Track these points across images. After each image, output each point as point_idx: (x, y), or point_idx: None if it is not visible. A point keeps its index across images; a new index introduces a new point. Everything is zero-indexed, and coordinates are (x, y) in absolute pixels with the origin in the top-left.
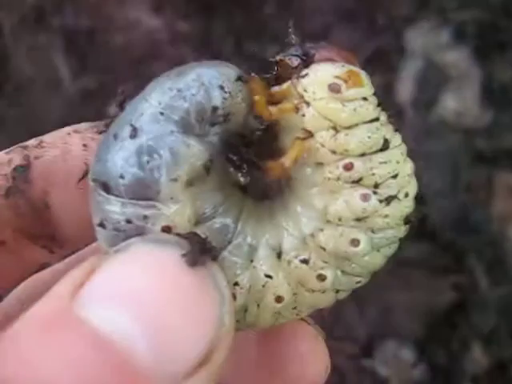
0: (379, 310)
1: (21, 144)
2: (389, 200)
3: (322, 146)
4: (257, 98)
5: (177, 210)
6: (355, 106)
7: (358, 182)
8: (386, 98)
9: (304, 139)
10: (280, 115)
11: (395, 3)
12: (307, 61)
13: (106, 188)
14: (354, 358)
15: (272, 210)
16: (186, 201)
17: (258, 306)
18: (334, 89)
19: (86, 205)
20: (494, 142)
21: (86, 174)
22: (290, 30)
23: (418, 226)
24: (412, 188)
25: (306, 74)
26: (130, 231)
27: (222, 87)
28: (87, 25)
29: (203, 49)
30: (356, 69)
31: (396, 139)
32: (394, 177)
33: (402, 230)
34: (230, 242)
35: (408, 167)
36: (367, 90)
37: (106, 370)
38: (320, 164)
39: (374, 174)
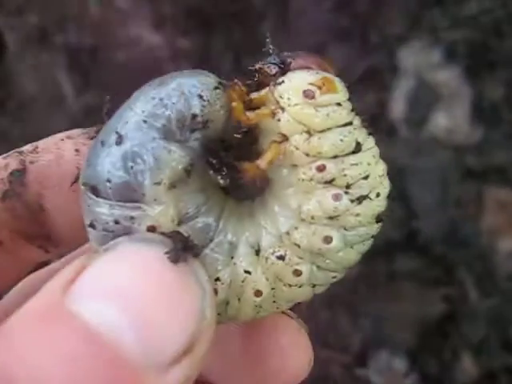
0: (372, 321)
1: (17, 149)
2: (360, 200)
3: (296, 148)
4: (234, 104)
5: (161, 211)
6: (328, 112)
7: (330, 182)
8: (379, 116)
9: (280, 142)
10: (257, 120)
11: (388, 22)
12: (284, 69)
13: (95, 191)
14: (348, 367)
15: (252, 209)
16: (169, 202)
17: (239, 299)
18: (308, 95)
19: (79, 206)
20: (483, 158)
21: (78, 177)
22: (268, 40)
23: (410, 240)
24: (383, 188)
25: (282, 81)
26: (118, 231)
27: (200, 96)
28: (89, 42)
29: (203, 65)
30: (330, 76)
31: (368, 142)
32: (366, 178)
33: (375, 228)
34: (211, 240)
35: (380, 169)
36: (341, 95)
37: (97, 361)
38: (295, 166)
39: (345, 175)
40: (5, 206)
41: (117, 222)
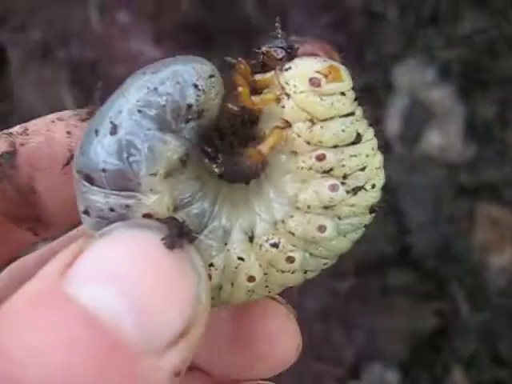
0: (365, 334)
1: (5, 131)
2: (356, 190)
3: (298, 136)
4: (241, 88)
5: (156, 200)
6: (333, 101)
7: (328, 172)
8: (375, 133)
9: (282, 128)
10: (262, 105)
11: (384, 41)
12: (291, 54)
13: (90, 179)
14: (342, 379)
15: (246, 195)
16: (165, 191)
17: (232, 284)
18: (314, 83)
19: (70, 189)
20: (476, 175)
21: (69, 160)
22: (277, 24)
23: (403, 255)
24: (379, 180)
25: (289, 68)
26: (113, 218)
27: (196, 85)
28: (91, 57)
29: None
30: (336, 64)
31: (368, 134)
32: (363, 169)
33: (368, 218)
34: (206, 227)
35: (377, 161)
36: (346, 84)
37: (94, 344)
38: (294, 153)
39: (343, 166)
40: None
41: (112, 210)
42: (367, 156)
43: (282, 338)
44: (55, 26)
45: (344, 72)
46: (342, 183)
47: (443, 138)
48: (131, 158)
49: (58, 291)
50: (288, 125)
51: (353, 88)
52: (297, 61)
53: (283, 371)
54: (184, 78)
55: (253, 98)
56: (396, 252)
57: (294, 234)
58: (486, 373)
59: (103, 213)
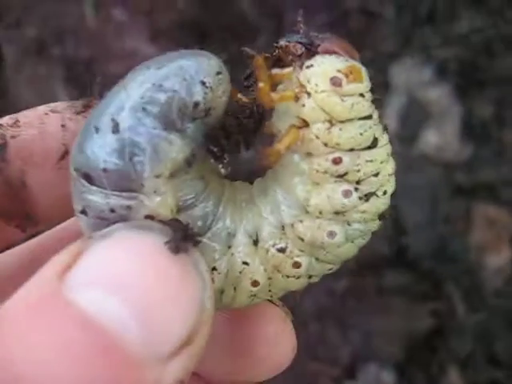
0: (361, 334)
1: None
2: (368, 197)
3: (317, 137)
4: (261, 84)
5: (159, 202)
6: (353, 102)
7: (342, 176)
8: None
9: (299, 128)
10: (279, 102)
11: (381, 39)
12: (311, 50)
13: (88, 179)
14: (337, 379)
15: (251, 196)
16: (168, 192)
17: (235, 288)
18: (335, 82)
19: (63, 185)
20: (472, 175)
21: (64, 155)
22: (299, 18)
23: (399, 255)
24: (390, 187)
25: (311, 65)
26: (113, 219)
27: (203, 83)
28: (86, 54)
29: None
30: (357, 64)
31: (384, 139)
32: (376, 175)
33: (376, 225)
34: (209, 229)
35: (390, 167)
36: (365, 86)
37: (95, 351)
38: (309, 154)
39: (358, 171)
40: None
41: (112, 211)
42: (381, 162)
43: (278, 341)
44: (50, 23)
45: (364, 73)
46: (356, 189)
47: (440, 138)
48: (135, 159)
49: (58, 296)
50: (305, 124)
51: (371, 90)
52: (318, 58)
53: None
54: (191, 75)
55: (272, 94)
56: (392, 252)
57: (302, 240)
58: (482, 373)
59: (103, 213)
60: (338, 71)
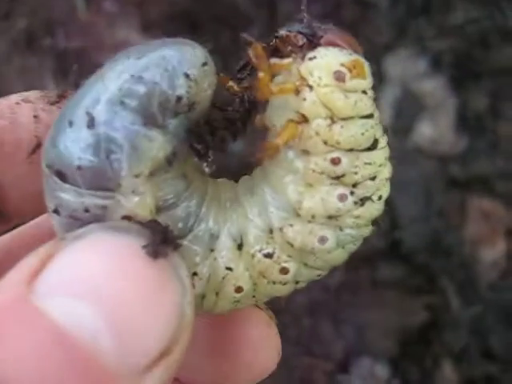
0: (355, 329)
1: None
2: (363, 201)
3: (317, 134)
4: (261, 74)
5: (138, 202)
6: (356, 99)
7: (338, 178)
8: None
9: (298, 123)
10: (279, 94)
11: (375, 31)
12: (313, 42)
13: (61, 176)
14: (331, 374)
15: (236, 195)
16: (148, 192)
17: (217, 294)
18: (338, 77)
19: (36, 180)
20: (467, 168)
21: (36, 148)
22: (302, 7)
23: (393, 249)
24: (386, 191)
25: (314, 57)
26: (87, 219)
27: (187, 75)
28: (77, 46)
29: None
30: (361, 58)
31: (383, 141)
32: (373, 179)
33: (369, 230)
34: (191, 231)
35: (387, 171)
36: (368, 82)
37: (67, 364)
38: (306, 152)
39: (356, 173)
40: None
41: (86, 211)
42: (380, 165)
43: (263, 346)
44: (40, 15)
45: (367, 68)
46: (351, 193)
47: (434, 130)
48: (111, 156)
49: (26, 305)
50: (304, 120)
51: (372, 87)
52: (322, 50)
53: None
54: (173, 66)
55: (271, 85)
56: (386, 246)
57: (292, 245)
58: (477, 367)
59: (76, 213)
60: (342, 65)
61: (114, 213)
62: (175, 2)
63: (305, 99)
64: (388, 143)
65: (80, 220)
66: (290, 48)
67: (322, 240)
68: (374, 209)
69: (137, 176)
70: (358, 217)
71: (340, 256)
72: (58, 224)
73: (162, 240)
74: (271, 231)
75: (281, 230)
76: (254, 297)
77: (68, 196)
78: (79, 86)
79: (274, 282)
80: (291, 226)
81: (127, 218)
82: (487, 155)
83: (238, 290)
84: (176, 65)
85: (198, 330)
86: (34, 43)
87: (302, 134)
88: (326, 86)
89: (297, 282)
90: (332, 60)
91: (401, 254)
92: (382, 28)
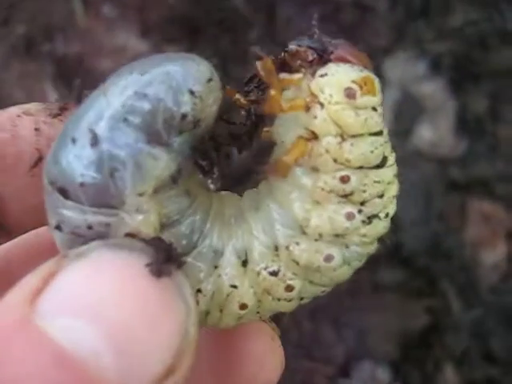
0: (356, 332)
1: None
2: (371, 219)
3: (327, 151)
4: (273, 92)
5: (141, 220)
6: (366, 116)
7: (347, 196)
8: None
9: (308, 140)
10: (289, 111)
11: (374, 33)
12: (324, 58)
13: (64, 193)
14: (332, 378)
15: (241, 210)
16: (152, 209)
17: (221, 310)
18: (349, 94)
19: (38, 193)
20: (467, 170)
21: (38, 161)
22: (314, 22)
23: (393, 252)
24: (392, 209)
25: (325, 74)
26: (90, 236)
27: (192, 91)
28: (76, 51)
29: None
30: (371, 74)
31: (392, 158)
32: (381, 196)
33: (374, 247)
34: (195, 247)
35: (394, 189)
36: (378, 99)
37: None
38: (316, 169)
39: (364, 192)
40: None
41: (90, 228)
42: (388, 183)
43: (266, 360)
44: (39, 20)
45: (377, 84)
46: (359, 211)
47: (434, 133)
48: (115, 174)
49: (29, 324)
50: (314, 137)
51: (381, 103)
52: (332, 67)
53: None
54: (178, 82)
55: (282, 102)
56: (386, 249)
57: (297, 263)
58: (478, 370)
59: (79, 230)
60: (353, 82)
61: (118, 230)
62: (174, 7)
63: (315, 117)
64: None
65: (83, 237)
66: (299, 62)
67: (328, 258)
68: (381, 226)
69: (141, 194)
70: (364, 235)
71: (345, 273)
72: (60, 240)
73: (165, 258)
74: (277, 248)
75: (287, 248)
76: (258, 313)
77: (71, 213)
78: (82, 99)
79: (279, 299)
80: (297, 244)
81: (131, 235)
82: (487, 158)
83: (243, 306)
84: (181, 81)
85: (201, 345)
86: (33, 49)
87: (312, 151)
88: (336, 103)
89: (301, 299)
90: (343, 77)
91: (401, 258)
92: (381, 31)
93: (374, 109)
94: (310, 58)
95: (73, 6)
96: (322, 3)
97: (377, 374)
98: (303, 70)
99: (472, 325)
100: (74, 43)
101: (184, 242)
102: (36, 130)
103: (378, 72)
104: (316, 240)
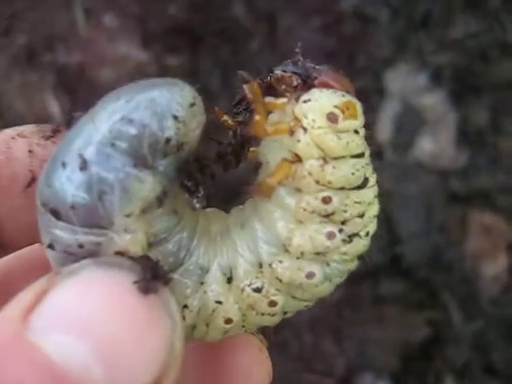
0: (357, 344)
1: None
2: (351, 238)
3: (310, 174)
4: (258, 117)
5: (130, 240)
6: (348, 140)
7: (328, 216)
8: (366, 138)
9: (292, 162)
10: (274, 135)
11: (375, 45)
12: (308, 83)
13: (56, 214)
14: None
15: (227, 227)
16: (139, 229)
17: (207, 325)
18: (331, 118)
19: (31, 213)
20: (468, 182)
21: (31, 182)
22: (297, 50)
23: (394, 264)
24: (373, 228)
25: (308, 100)
26: (82, 254)
27: (175, 117)
28: (77, 61)
29: (191, 81)
30: (353, 99)
31: (373, 179)
32: (361, 216)
33: (354, 264)
34: (181, 264)
35: (375, 209)
36: (359, 122)
37: None
38: (299, 190)
39: (345, 211)
40: None
41: (81, 247)
42: (369, 204)
43: (255, 371)
44: (40, 30)
45: (359, 108)
46: (340, 230)
47: (435, 145)
48: (104, 197)
49: (21, 340)
50: (298, 159)
51: (364, 125)
52: (316, 93)
53: (274, 382)
54: (162, 108)
55: (266, 127)
56: (387, 261)
57: (280, 280)
58: (479, 382)
59: (70, 248)
60: (335, 107)
61: (108, 248)
62: (175, 17)
63: (299, 140)
64: (389, 160)
65: (74, 255)
66: (284, 87)
67: (310, 275)
68: (362, 245)
69: (128, 215)
70: (345, 253)
71: (327, 289)
72: (52, 258)
73: (152, 276)
74: (261, 265)
75: (270, 265)
76: (243, 326)
77: (62, 233)
78: (71, 123)
79: (263, 314)
80: (280, 262)
81: (120, 253)
82: (488, 170)
83: (228, 321)
84: (165, 107)
85: (189, 358)
86: (34, 59)
87: (296, 173)
88: (319, 128)
89: (285, 313)
90: (326, 102)
91: (402, 270)
92: (382, 42)
93: (356, 132)
94: (295, 83)
95: (74, 15)
96: (323, 14)
97: None
98: (288, 94)
99: (473, 337)
100: (76, 53)
101: (171, 259)
102: (30, 151)
103: (378, 84)
104: (298, 258)
